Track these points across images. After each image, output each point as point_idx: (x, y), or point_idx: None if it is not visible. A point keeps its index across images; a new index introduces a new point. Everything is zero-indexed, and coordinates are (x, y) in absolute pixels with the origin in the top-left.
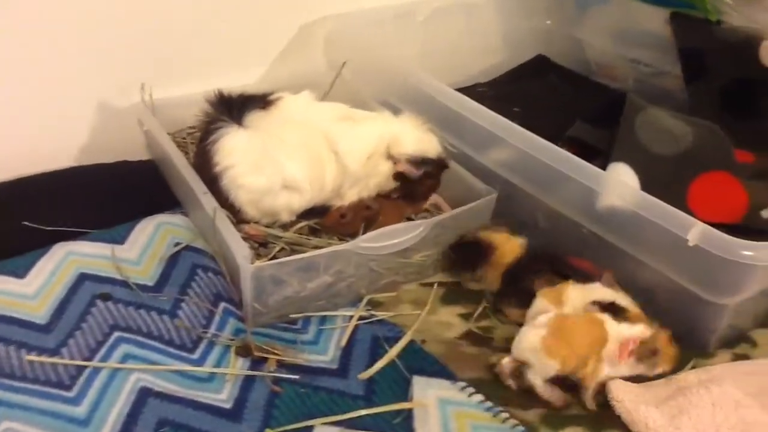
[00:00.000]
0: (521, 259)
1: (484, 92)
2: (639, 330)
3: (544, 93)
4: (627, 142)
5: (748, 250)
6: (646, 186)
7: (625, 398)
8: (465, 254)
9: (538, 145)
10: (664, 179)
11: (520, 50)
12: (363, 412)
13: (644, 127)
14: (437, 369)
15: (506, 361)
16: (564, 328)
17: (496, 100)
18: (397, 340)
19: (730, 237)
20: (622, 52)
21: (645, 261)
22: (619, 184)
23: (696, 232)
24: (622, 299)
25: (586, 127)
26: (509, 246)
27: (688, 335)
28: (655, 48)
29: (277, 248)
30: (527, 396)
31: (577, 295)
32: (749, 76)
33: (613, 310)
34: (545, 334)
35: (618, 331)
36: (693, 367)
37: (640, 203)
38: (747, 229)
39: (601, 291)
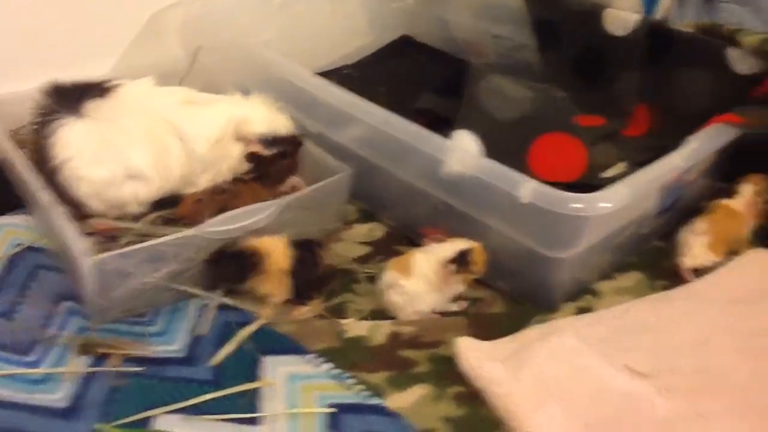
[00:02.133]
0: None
1: (349, 74)
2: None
3: (408, 72)
4: (470, 110)
5: (578, 203)
6: (490, 151)
7: (470, 355)
8: (228, 266)
9: (385, 119)
10: (506, 143)
11: (387, 31)
12: (207, 396)
13: (486, 94)
14: (289, 346)
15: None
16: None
17: (362, 82)
18: (248, 324)
19: (560, 192)
20: (485, 28)
21: (489, 224)
22: (460, 151)
23: (527, 189)
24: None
25: (435, 98)
26: (281, 251)
27: (533, 293)
28: (515, 22)
29: (126, 240)
30: (377, 359)
31: (424, 259)
32: (596, 43)
33: (463, 262)
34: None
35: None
36: (537, 323)
37: (478, 167)
38: (585, 187)
39: (448, 248)
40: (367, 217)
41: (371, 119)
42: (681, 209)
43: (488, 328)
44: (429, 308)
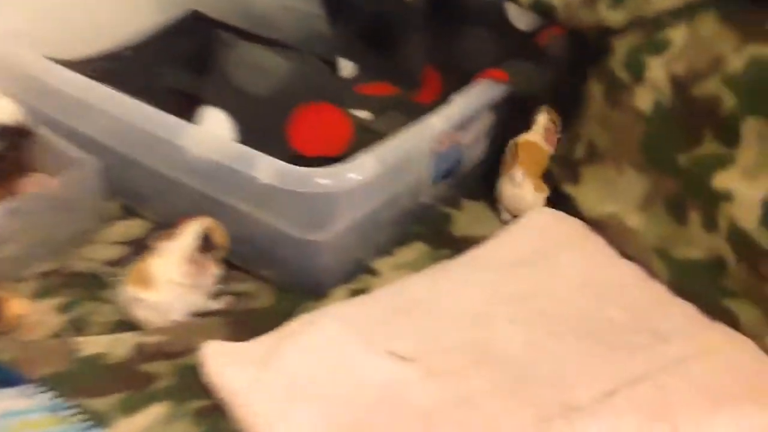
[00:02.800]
0: None
1: (130, 57)
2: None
3: (197, 52)
4: (218, 85)
5: (323, 179)
6: (247, 129)
7: (215, 362)
8: None
9: (122, 105)
10: (263, 119)
11: (177, 7)
12: None
13: (236, 66)
14: (10, 377)
15: None
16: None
17: (142, 66)
18: None
19: (302, 168)
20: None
21: (242, 210)
22: (200, 134)
23: (265, 168)
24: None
25: (179, 75)
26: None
27: (300, 280)
28: None
29: None
30: (113, 379)
31: (163, 264)
32: (382, 9)
33: (207, 245)
34: None
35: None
36: (304, 312)
37: (217, 150)
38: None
39: (184, 239)
40: (129, 214)
41: (109, 106)
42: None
43: (253, 326)
44: (186, 313)
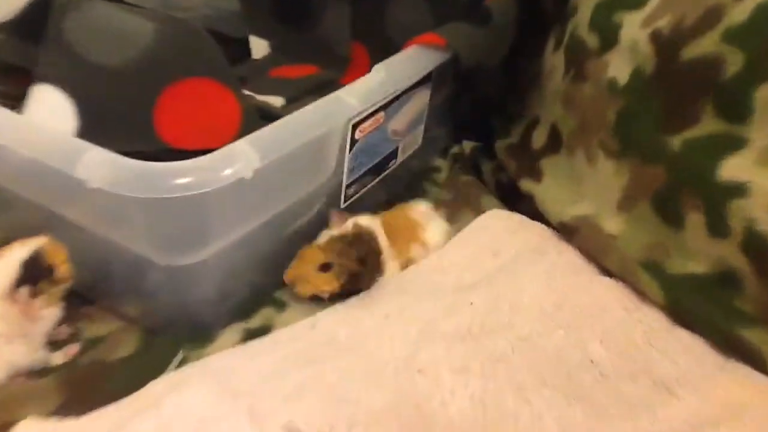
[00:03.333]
0: None
1: None
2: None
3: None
4: (55, 55)
5: (185, 177)
6: (92, 115)
7: None
8: None
9: None
10: (118, 101)
11: None
12: None
13: (80, 30)
14: None
15: None
16: None
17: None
18: None
19: (150, 164)
20: None
21: (85, 226)
22: (14, 121)
23: (90, 165)
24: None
25: (10, 42)
26: None
27: (174, 318)
28: None
29: None
30: None
31: None
32: None
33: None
34: None
35: None
36: (180, 366)
37: (36, 142)
38: None
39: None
40: None
41: None
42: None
43: (105, 387)
44: (14, 372)
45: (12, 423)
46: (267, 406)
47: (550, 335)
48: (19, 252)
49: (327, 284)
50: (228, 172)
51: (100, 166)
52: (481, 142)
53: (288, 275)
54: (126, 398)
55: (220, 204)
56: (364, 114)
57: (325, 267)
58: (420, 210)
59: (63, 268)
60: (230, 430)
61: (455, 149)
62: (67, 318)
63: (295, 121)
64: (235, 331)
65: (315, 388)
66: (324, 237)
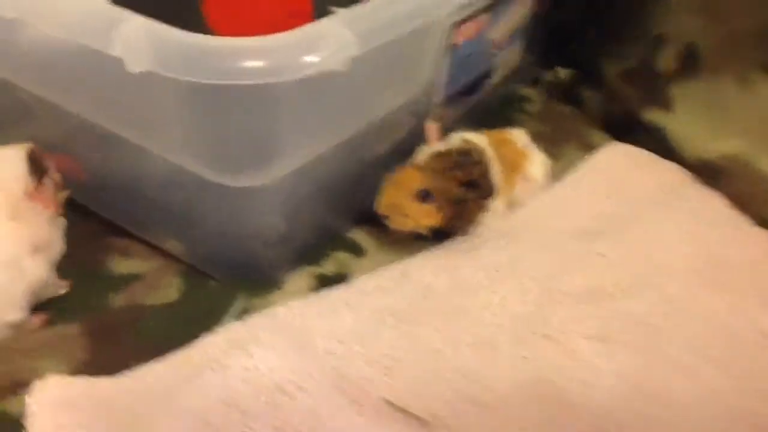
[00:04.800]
0: None
1: None
2: None
3: None
4: None
5: (258, 60)
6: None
7: (54, 416)
8: None
9: None
10: None
11: None
12: None
13: None
14: None
15: None
16: None
17: None
18: None
19: (216, 40)
20: None
21: (122, 135)
22: None
23: (129, 39)
24: None
25: None
26: None
27: (228, 257)
28: None
29: None
30: None
31: None
32: None
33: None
34: None
35: None
36: (245, 313)
37: (51, 20)
38: None
39: None
40: None
41: None
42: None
43: (140, 335)
44: (33, 296)
45: (28, 379)
46: (357, 373)
47: (705, 299)
48: (14, 151)
49: (427, 217)
50: (313, 58)
51: (144, 40)
52: (576, 68)
53: (380, 205)
54: (175, 354)
55: (298, 103)
56: (467, 12)
57: (423, 195)
58: (522, 138)
59: (56, 176)
60: (316, 404)
61: (548, 76)
62: (96, 251)
63: (394, 5)
64: (305, 276)
65: (414, 354)
66: (423, 153)
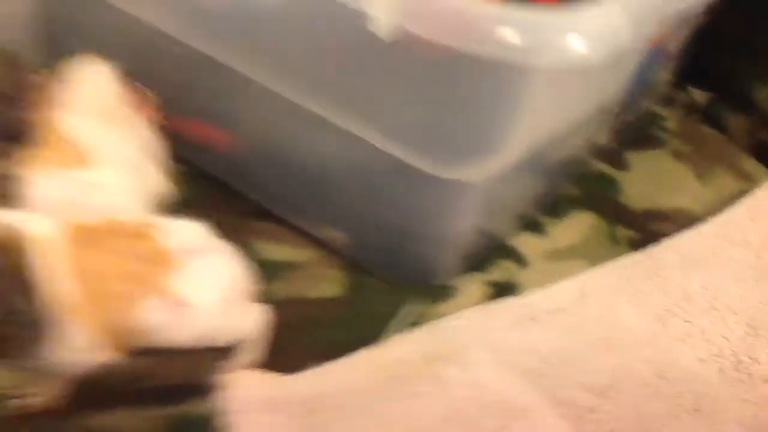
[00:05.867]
0: None
1: None
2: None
3: None
4: None
5: (509, 26)
6: None
7: (255, 420)
8: None
9: None
10: None
11: None
12: None
13: None
14: None
15: None
16: None
17: None
18: None
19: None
20: None
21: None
22: None
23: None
24: None
25: None
26: None
27: (402, 252)
28: None
29: None
30: None
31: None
32: None
33: None
34: None
35: None
36: (414, 323)
37: None
38: None
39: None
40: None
41: None
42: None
43: (306, 330)
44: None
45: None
46: (575, 399)
47: None
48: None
49: None
50: (580, 46)
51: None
52: (712, 88)
53: None
54: (359, 356)
55: (541, 91)
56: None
57: None
58: None
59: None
60: (544, 426)
61: (682, 97)
62: (240, 232)
63: None
64: (476, 283)
65: (630, 382)
66: None
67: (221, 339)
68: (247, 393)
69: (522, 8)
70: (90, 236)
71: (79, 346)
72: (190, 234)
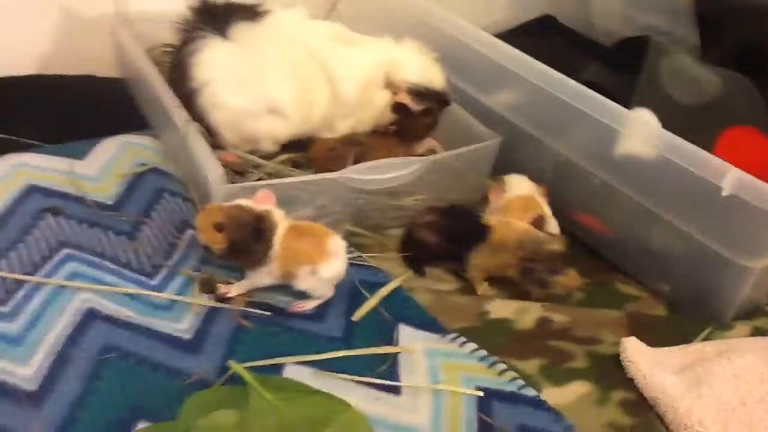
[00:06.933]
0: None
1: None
2: None
3: (548, 53)
4: (649, 88)
5: None
6: None
7: (640, 360)
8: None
9: (553, 78)
10: (689, 131)
11: (525, 8)
12: (342, 353)
13: (668, 74)
14: (426, 321)
15: None
16: None
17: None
18: (381, 285)
19: None
20: (632, 15)
21: (663, 215)
22: (645, 126)
23: (732, 179)
24: None
25: (604, 71)
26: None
27: (702, 302)
28: (668, 12)
29: (256, 178)
30: (525, 345)
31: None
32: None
33: None
34: None
35: None
36: (707, 338)
37: (668, 147)
38: None
39: None
40: None
41: (535, 77)
42: None
43: (645, 332)
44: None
45: (594, 337)
46: None
47: None
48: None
49: None
50: None
51: (738, 180)
52: None
53: None
54: (678, 346)
55: None
56: None
57: None
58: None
59: None
60: None
61: None
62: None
63: None
64: (745, 326)
65: None
66: None
67: None
68: (637, 348)
69: None
70: (295, 230)
71: (274, 274)
72: None
